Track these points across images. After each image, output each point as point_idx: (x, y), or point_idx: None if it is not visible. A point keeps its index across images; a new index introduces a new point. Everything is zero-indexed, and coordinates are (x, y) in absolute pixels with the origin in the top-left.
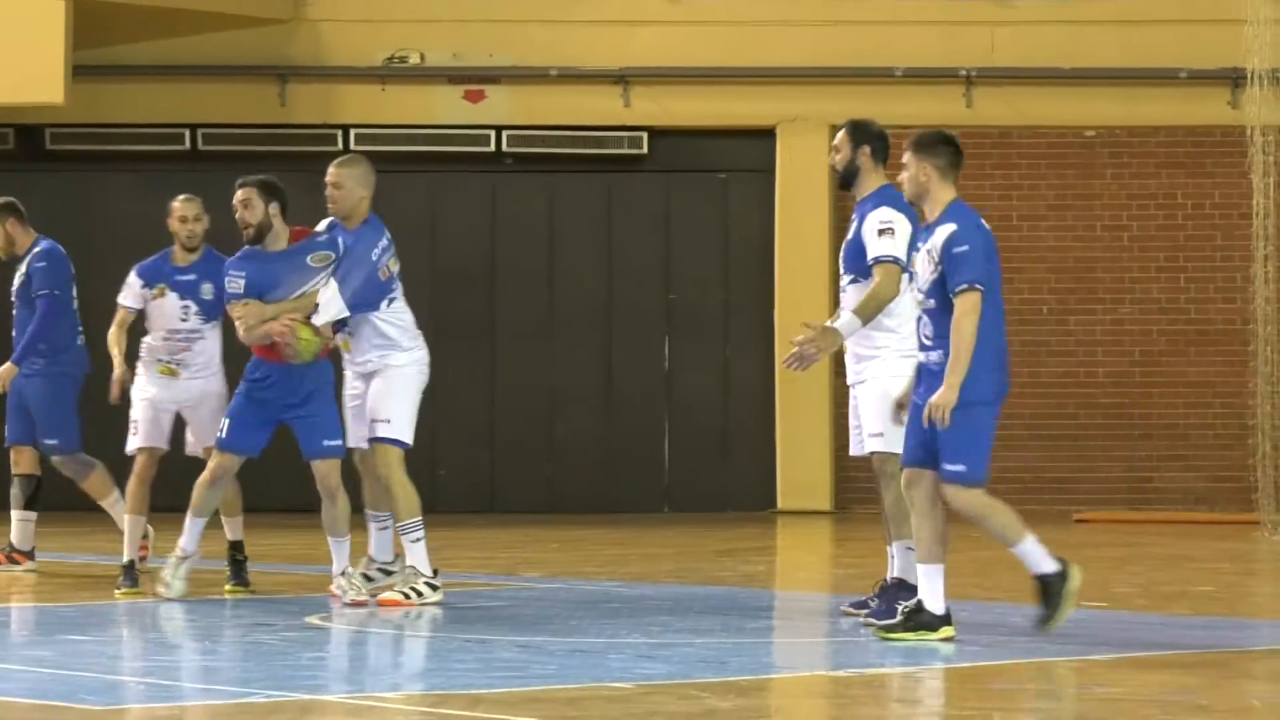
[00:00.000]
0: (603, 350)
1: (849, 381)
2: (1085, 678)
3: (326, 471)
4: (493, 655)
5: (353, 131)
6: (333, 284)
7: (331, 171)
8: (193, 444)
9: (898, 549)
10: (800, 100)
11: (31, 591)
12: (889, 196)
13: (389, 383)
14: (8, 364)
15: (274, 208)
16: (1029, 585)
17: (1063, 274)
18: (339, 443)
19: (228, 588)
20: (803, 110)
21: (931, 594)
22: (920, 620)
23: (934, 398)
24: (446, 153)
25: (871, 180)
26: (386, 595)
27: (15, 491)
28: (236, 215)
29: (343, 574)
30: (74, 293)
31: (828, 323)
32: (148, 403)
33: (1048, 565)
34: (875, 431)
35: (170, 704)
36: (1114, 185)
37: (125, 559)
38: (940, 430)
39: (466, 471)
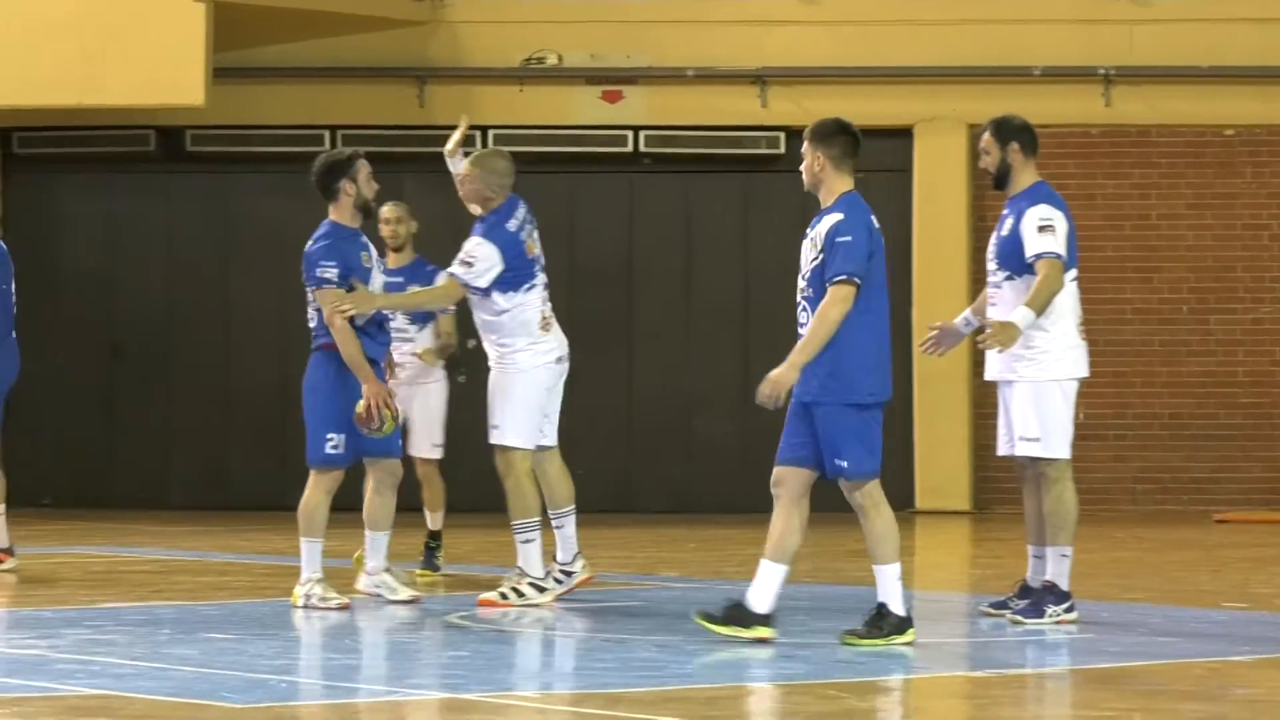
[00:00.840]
0: (739, 350)
1: (994, 378)
2: (1225, 679)
3: (391, 470)
4: (631, 655)
5: (491, 132)
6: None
7: (465, 165)
8: (415, 444)
9: (1051, 554)
10: (938, 99)
11: (175, 590)
12: (1044, 193)
13: (501, 384)
14: None
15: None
16: (1168, 587)
17: (1202, 273)
18: (400, 442)
19: (417, 573)
20: (940, 110)
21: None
22: (890, 624)
23: (771, 373)
24: (584, 153)
25: (1024, 176)
26: (486, 595)
27: None
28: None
29: (386, 570)
30: (13, 290)
31: (1003, 319)
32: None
33: (897, 604)
34: (1030, 435)
35: (311, 702)
36: (1254, 184)
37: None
38: (821, 430)
39: (604, 471)
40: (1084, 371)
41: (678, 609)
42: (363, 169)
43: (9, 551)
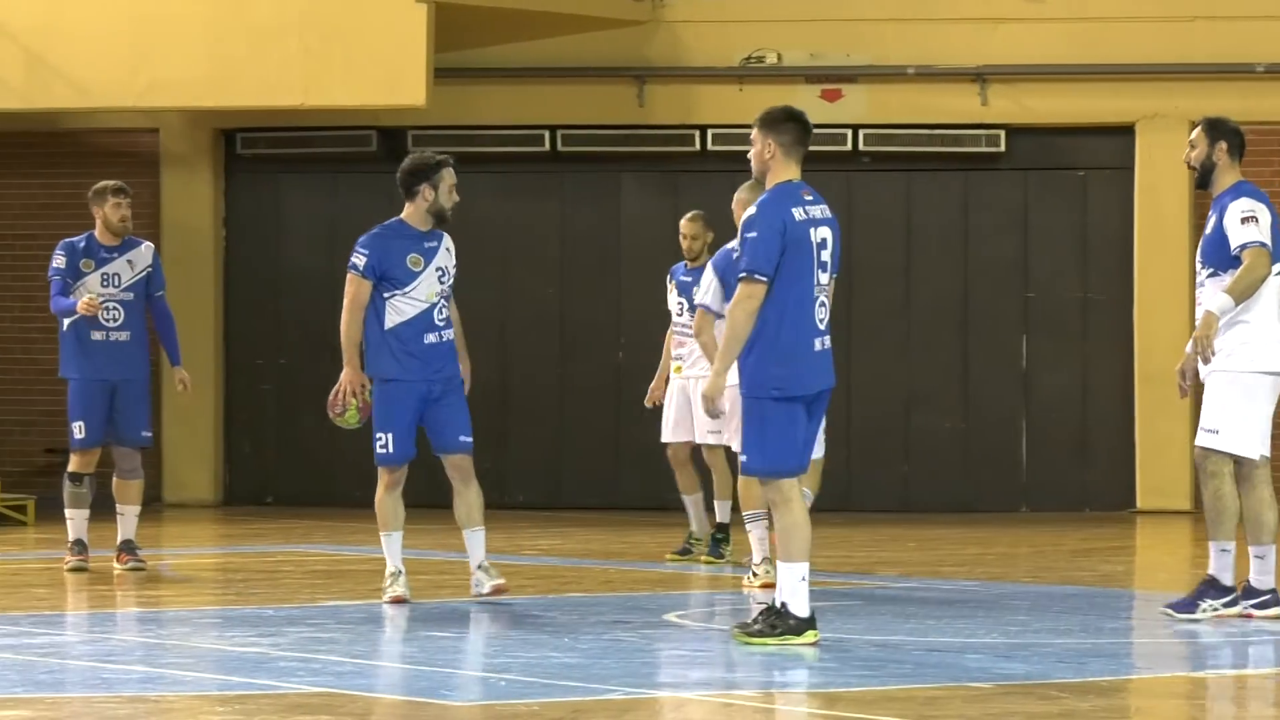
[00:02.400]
0: (959, 348)
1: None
2: None
3: (462, 464)
4: (849, 654)
5: (710, 132)
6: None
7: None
8: (700, 433)
9: (1212, 549)
10: (1159, 97)
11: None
12: (1246, 189)
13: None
14: None
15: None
16: None
17: None
18: (470, 439)
19: (704, 557)
20: (1162, 107)
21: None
22: (785, 624)
23: (703, 387)
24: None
25: (1227, 176)
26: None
27: None
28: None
29: (479, 567)
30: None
31: (1205, 309)
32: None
33: (800, 606)
34: (1210, 427)
35: (530, 700)
36: None
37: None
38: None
39: (824, 469)
40: None
41: (896, 608)
42: (446, 179)
43: (131, 550)
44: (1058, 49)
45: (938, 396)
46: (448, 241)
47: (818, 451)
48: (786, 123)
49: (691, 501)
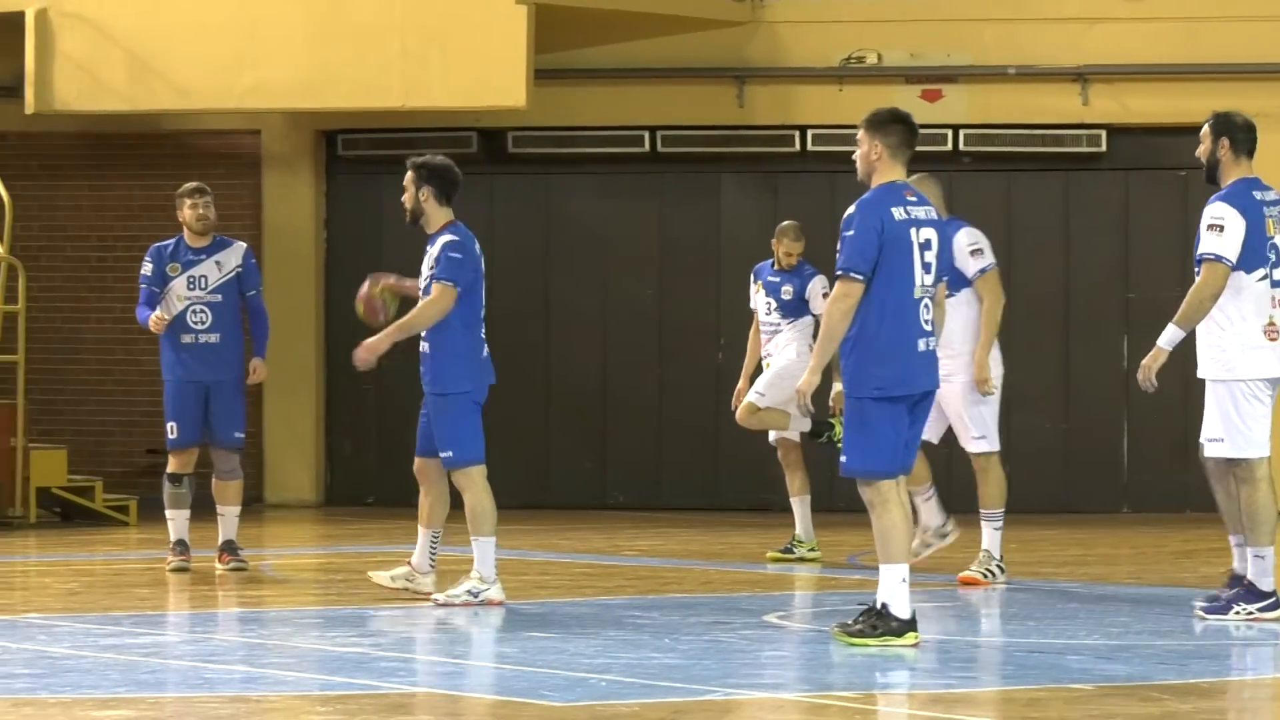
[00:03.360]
0: (1060, 348)
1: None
2: None
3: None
4: (950, 655)
5: (809, 132)
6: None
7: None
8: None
9: (1249, 555)
10: (1260, 95)
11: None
12: (1227, 193)
13: None
14: None
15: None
16: None
17: None
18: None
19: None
20: (1263, 106)
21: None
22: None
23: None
24: None
25: (1231, 173)
26: (966, 573)
27: None
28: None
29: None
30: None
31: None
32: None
33: (901, 607)
34: (1213, 436)
35: (630, 701)
36: None
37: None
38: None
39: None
40: (1272, 372)
41: (997, 609)
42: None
43: (232, 551)
44: (1158, 48)
45: (1039, 397)
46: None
47: None
48: (893, 124)
49: (799, 503)
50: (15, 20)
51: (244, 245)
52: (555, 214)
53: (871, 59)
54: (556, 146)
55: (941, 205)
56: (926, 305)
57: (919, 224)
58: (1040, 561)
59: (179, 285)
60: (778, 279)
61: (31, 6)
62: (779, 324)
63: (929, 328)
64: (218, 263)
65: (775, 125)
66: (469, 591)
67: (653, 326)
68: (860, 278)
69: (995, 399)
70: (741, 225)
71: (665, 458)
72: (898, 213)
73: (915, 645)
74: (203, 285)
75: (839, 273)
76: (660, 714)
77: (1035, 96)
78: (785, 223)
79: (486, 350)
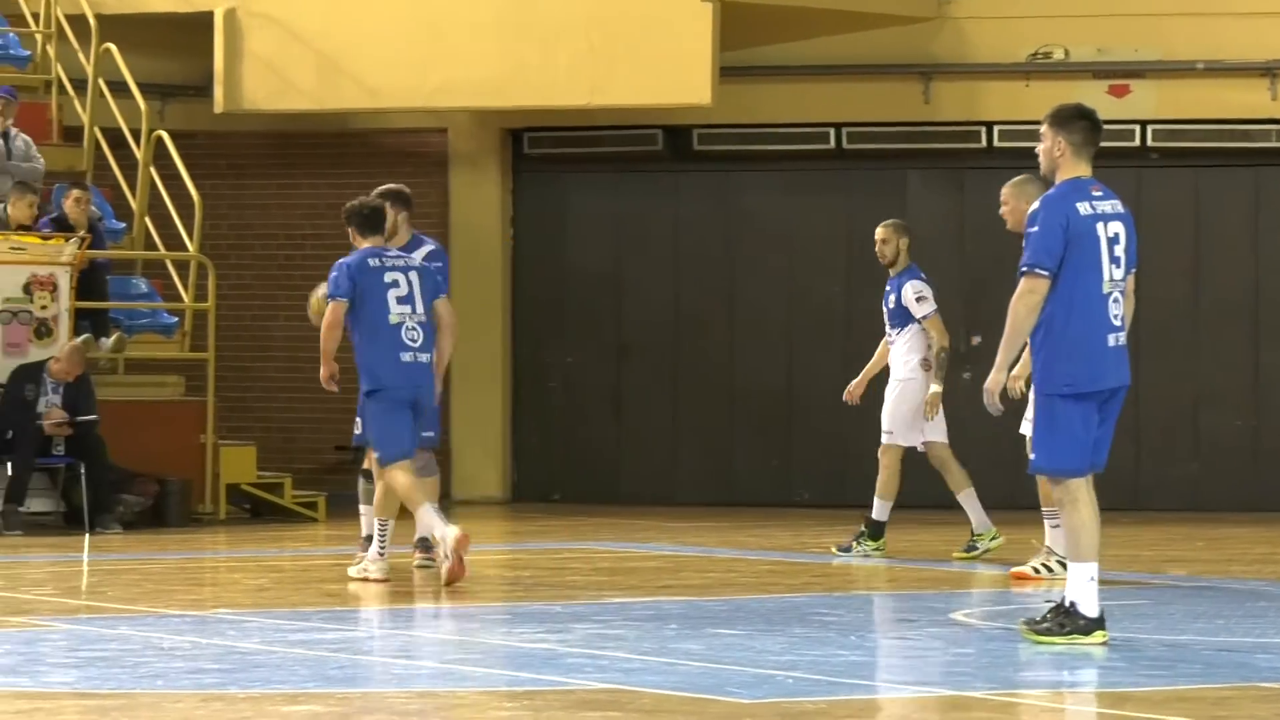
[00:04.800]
0: (1249, 346)
1: None
2: None
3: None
4: (1138, 653)
5: (996, 128)
6: None
7: (1003, 191)
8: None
9: None
10: None
11: (682, 586)
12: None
13: None
14: None
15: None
16: None
17: None
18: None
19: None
20: None
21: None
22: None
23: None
24: None
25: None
26: (1019, 569)
27: None
28: None
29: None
30: None
31: None
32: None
33: (1089, 606)
34: None
35: (817, 698)
36: None
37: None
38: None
39: (1111, 469)
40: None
41: (1185, 608)
42: None
43: (426, 548)
44: None
45: (1227, 394)
46: None
47: None
48: (1077, 121)
49: (965, 497)
50: (204, 20)
51: (430, 247)
52: (740, 212)
53: (1058, 54)
54: (741, 144)
55: None
56: (1116, 300)
57: (1106, 218)
58: (1229, 559)
59: None
60: (888, 285)
61: (220, 6)
62: (890, 334)
63: (1118, 323)
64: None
65: (961, 121)
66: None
67: (838, 324)
68: (1045, 274)
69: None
70: (927, 222)
71: (850, 455)
72: (1083, 208)
73: (1103, 644)
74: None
75: (1024, 269)
76: (846, 711)
77: (1223, 91)
78: None
79: (408, 356)
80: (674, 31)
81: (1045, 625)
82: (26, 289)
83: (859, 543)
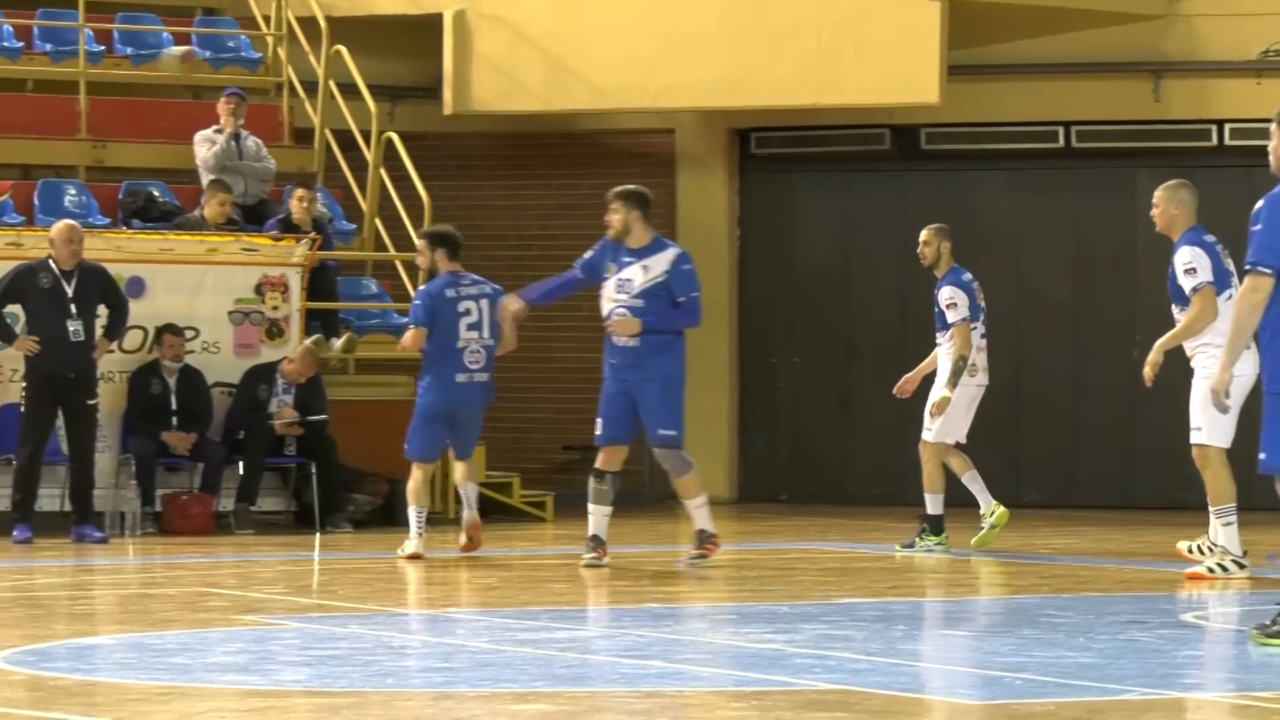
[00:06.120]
0: None
1: None
2: None
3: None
4: None
5: (1226, 126)
6: None
7: (1155, 193)
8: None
9: None
10: None
11: (910, 586)
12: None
13: (1202, 390)
14: None
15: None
16: None
17: None
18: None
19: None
20: None
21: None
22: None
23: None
24: None
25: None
26: (1193, 570)
27: None
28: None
29: None
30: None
31: None
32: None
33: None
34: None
35: (1045, 700)
36: None
37: None
38: None
39: None
40: None
41: None
42: None
43: (700, 541)
44: None
45: None
46: None
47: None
48: None
49: (932, 497)
50: (433, 22)
51: (675, 251)
52: (968, 210)
53: None
54: (969, 143)
55: (1193, 214)
56: None
57: None
58: None
59: (609, 287)
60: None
61: (449, 8)
62: (937, 336)
63: None
64: (645, 267)
65: (1192, 120)
66: None
67: (1067, 322)
68: (1268, 271)
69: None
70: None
71: (1080, 455)
72: None
73: None
74: (628, 290)
75: (1247, 267)
76: (1076, 714)
77: None
78: None
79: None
80: (902, 30)
81: (1276, 629)
82: (258, 290)
83: (921, 538)
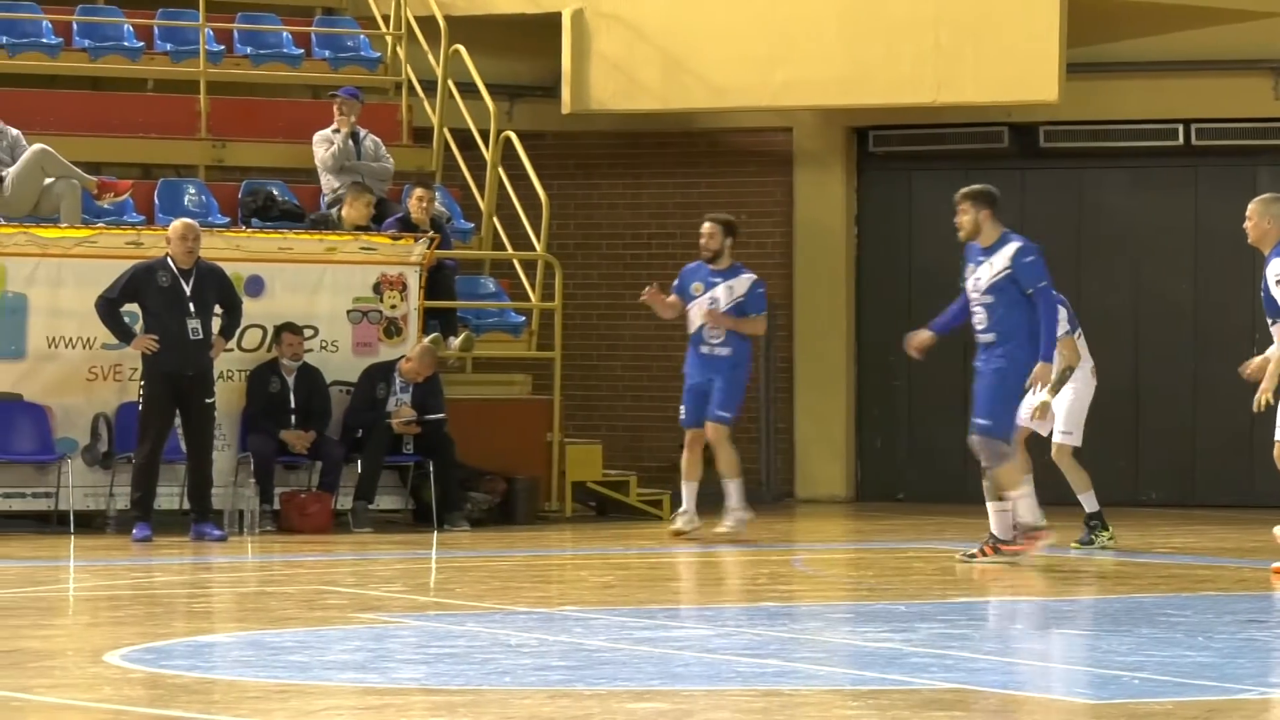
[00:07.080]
0: None
1: None
2: None
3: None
4: None
5: None
6: None
7: (1249, 206)
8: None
9: None
10: None
11: (1024, 586)
12: None
13: None
14: None
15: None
16: None
17: None
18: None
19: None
20: None
21: None
22: None
23: None
24: None
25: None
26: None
27: None
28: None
29: None
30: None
31: None
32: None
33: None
34: None
35: (1164, 699)
36: None
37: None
38: None
39: None
40: None
41: None
42: None
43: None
44: None
45: None
46: None
47: None
48: None
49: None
50: (552, 21)
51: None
52: (1087, 208)
53: None
54: (1089, 140)
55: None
56: None
57: None
58: None
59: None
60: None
61: (568, 7)
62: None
63: None
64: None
65: None
66: None
67: (1187, 322)
68: None
69: None
70: None
71: (1199, 454)
72: None
73: None
74: (977, 288)
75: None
76: (1194, 713)
77: None
78: None
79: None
80: (1021, 28)
81: None
82: (376, 288)
83: (1095, 534)
